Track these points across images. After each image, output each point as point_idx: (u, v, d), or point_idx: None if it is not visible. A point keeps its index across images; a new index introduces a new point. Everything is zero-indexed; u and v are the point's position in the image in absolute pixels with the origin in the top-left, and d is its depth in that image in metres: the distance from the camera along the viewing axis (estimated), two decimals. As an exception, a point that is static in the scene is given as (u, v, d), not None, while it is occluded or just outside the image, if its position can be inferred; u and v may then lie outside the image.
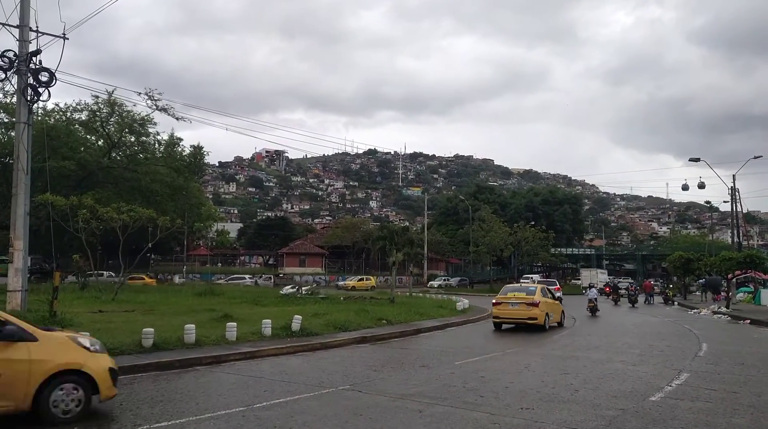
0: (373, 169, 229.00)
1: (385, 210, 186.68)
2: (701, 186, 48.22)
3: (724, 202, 50.25)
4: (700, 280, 44.80)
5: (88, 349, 6.77)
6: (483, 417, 6.81)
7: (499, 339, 15.87)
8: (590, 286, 34.76)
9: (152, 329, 11.32)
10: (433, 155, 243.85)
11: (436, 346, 14.46)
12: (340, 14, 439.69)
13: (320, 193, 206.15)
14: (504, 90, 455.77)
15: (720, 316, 25.73)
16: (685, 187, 51.29)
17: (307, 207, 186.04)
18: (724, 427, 6.50)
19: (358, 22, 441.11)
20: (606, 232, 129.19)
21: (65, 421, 6.26)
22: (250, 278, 54.06)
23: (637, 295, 36.25)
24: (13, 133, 25.92)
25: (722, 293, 35.63)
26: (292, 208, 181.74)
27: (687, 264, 41.72)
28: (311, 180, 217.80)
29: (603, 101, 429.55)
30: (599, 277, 57.27)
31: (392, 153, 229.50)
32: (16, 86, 17.80)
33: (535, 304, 17.95)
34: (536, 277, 56.40)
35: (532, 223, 67.45)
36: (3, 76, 17.16)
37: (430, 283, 60.99)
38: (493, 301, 19.33)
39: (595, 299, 27.11)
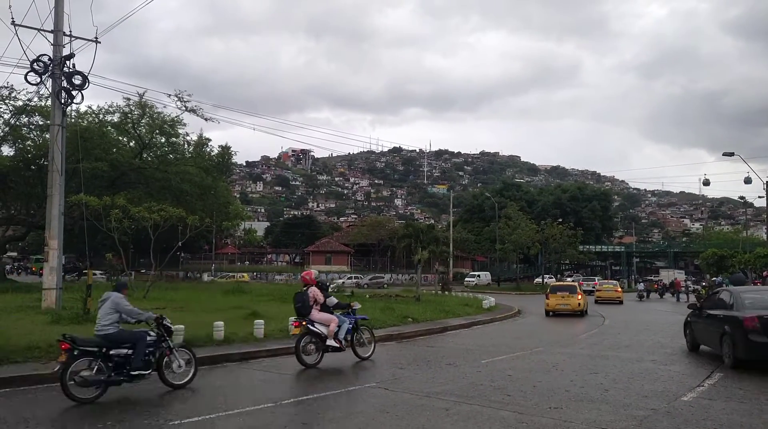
0: (398, 167, 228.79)
1: (410, 208, 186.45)
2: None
3: (759, 197, 48.63)
4: (715, 279, 40.28)
5: None
6: (510, 416, 6.77)
7: (526, 338, 15.72)
8: (639, 281, 52.71)
9: (182, 326, 11.51)
10: (459, 152, 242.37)
11: (463, 344, 14.41)
12: (366, 13, 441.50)
13: (345, 192, 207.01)
14: (533, 85, 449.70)
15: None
16: (706, 183, 50.04)
17: (332, 205, 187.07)
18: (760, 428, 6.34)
19: (385, 20, 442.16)
20: (636, 229, 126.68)
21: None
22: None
23: (651, 291, 43.21)
24: (47, 136, 26.60)
25: None
26: (317, 206, 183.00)
27: (720, 261, 40.59)
28: (337, 178, 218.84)
29: (634, 96, 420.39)
30: (675, 275, 66.73)
31: (417, 151, 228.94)
32: (50, 90, 18.32)
33: (618, 291, 33.53)
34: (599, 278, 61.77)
35: (560, 220, 66.53)
36: (38, 79, 17.66)
37: (466, 280, 61.30)
38: (597, 288, 35.68)
39: (643, 290, 40.34)
